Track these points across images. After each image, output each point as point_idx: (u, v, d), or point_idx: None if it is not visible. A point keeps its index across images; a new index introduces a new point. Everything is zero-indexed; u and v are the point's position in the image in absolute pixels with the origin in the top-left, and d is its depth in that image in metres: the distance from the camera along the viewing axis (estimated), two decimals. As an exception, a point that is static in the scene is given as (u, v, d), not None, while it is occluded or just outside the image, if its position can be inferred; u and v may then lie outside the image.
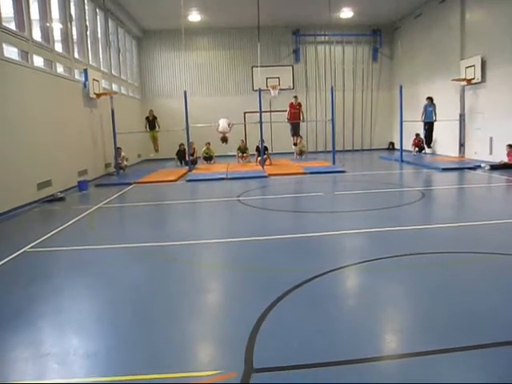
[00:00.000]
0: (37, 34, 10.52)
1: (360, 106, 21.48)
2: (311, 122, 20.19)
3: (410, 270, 4.57)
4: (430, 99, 15.65)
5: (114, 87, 16.45)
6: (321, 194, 9.64)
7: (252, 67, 19.40)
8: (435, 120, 15.59)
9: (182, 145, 16.32)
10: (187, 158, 15.22)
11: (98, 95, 13.45)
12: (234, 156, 17.19)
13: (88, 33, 13.92)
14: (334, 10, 17.18)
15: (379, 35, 21.01)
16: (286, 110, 16.71)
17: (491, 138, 13.71)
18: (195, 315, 3.72)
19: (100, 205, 9.05)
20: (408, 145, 17.28)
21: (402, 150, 15.24)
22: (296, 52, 20.78)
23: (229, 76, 20.87)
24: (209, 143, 16.89)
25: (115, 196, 10.22)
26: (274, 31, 20.25)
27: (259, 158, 14.99)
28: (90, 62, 13.93)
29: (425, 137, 16.65)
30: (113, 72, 16.44)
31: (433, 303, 3.72)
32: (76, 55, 12.79)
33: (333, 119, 14.89)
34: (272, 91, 18.92)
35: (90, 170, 12.79)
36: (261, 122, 14.49)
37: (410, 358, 2.91)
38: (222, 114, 16.74)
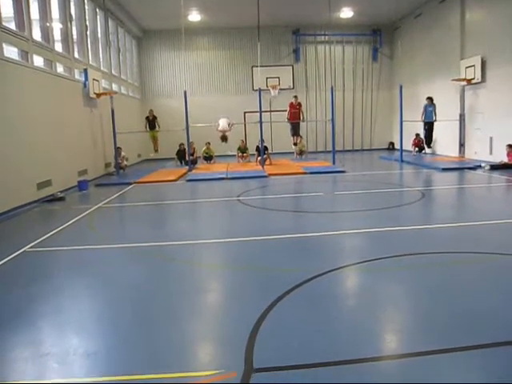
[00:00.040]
0: (37, 34, 10.52)
1: (360, 105, 21.48)
2: (311, 122, 20.19)
3: (410, 270, 4.57)
4: (430, 99, 15.65)
5: (114, 87, 16.45)
6: (321, 193, 9.64)
7: (252, 67, 19.40)
8: (435, 120, 15.59)
9: (181, 145, 16.32)
10: (187, 158, 15.22)
11: (98, 95, 13.44)
12: (233, 156, 17.19)
13: (88, 33, 13.92)
14: (334, 10, 17.18)
15: (379, 35, 21.01)
16: (285, 110, 16.71)
17: (491, 138, 13.71)
18: (195, 315, 3.72)
19: (100, 205, 9.05)
20: (408, 145, 17.28)
21: (401, 150, 15.24)
22: (296, 52, 20.79)
23: (229, 76, 20.87)
24: (209, 143, 16.89)
25: (115, 196, 10.22)
26: (274, 31, 20.25)
27: (259, 158, 14.99)
28: (90, 62, 13.93)
29: (425, 137, 16.64)
30: (113, 72, 16.44)
31: (433, 303, 3.72)
32: (76, 55, 12.78)
33: (333, 119, 14.89)
34: (272, 91, 18.92)
35: (89, 169, 12.79)
36: (261, 122, 14.49)
37: (409, 357, 2.91)
38: (222, 113, 16.72)
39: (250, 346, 3.04)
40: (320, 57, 20.97)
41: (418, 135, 17.27)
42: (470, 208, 8.14)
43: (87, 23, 13.89)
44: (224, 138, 16.07)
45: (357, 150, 21.40)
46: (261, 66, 16.79)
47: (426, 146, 16.99)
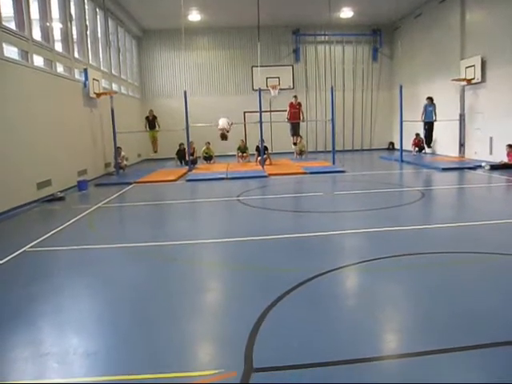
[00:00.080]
0: (37, 34, 10.52)
1: (360, 105, 21.48)
2: (311, 122, 20.19)
3: (410, 270, 4.57)
4: (430, 99, 15.65)
5: (114, 87, 16.45)
6: (320, 193, 9.64)
7: (252, 67, 19.39)
8: (435, 120, 15.59)
9: (181, 144, 16.33)
10: (187, 158, 15.22)
11: (98, 95, 13.45)
12: (233, 156, 17.19)
13: (88, 32, 13.92)
14: (334, 10, 17.18)
15: (379, 35, 21.02)
16: (285, 110, 16.71)
17: (491, 138, 13.71)
18: (195, 315, 3.72)
19: (100, 204, 9.05)
20: (408, 145, 17.28)
21: (401, 150, 15.24)
22: (296, 52, 20.78)
23: (229, 76, 20.87)
24: (209, 143, 16.90)
25: (115, 196, 10.22)
26: (274, 31, 20.25)
27: (259, 158, 14.99)
28: (90, 62, 13.93)
29: (425, 137, 16.65)
30: (113, 71, 16.44)
31: (432, 303, 3.72)
32: (76, 55, 12.79)
33: (333, 119, 14.89)
34: (272, 91, 18.92)
35: (89, 169, 12.79)
36: (261, 122, 14.49)
37: (409, 357, 2.91)
38: (222, 113, 16.74)
39: (249, 345, 3.04)
40: (320, 57, 20.97)
41: (418, 135, 17.28)
42: (469, 208, 8.14)
43: (87, 23, 13.89)
44: (224, 137, 16.08)
45: (357, 150, 21.40)
46: (261, 66, 16.79)
47: (426, 146, 16.99)
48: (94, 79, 13.17)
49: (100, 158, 14.05)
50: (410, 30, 19.01)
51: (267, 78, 19.01)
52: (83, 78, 12.84)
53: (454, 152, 15.66)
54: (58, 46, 11.70)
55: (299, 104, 16.60)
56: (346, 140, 20.84)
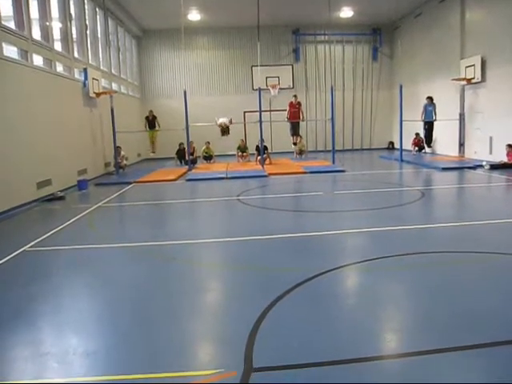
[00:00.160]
0: (36, 33, 10.50)
1: (360, 105, 21.48)
2: (311, 122, 20.17)
3: (410, 270, 4.57)
4: (430, 99, 15.64)
5: (114, 86, 16.44)
6: (321, 193, 9.64)
7: (252, 66, 19.37)
8: (435, 119, 15.59)
9: (181, 144, 16.32)
10: (187, 158, 15.22)
11: (98, 94, 13.44)
12: (233, 155, 17.19)
13: (88, 32, 13.91)
14: (334, 10, 17.18)
15: (379, 34, 21.01)
16: (285, 110, 16.72)
17: (491, 138, 13.71)
18: (195, 314, 3.72)
19: (100, 204, 9.04)
20: (408, 144, 17.28)
21: (401, 150, 15.24)
22: (296, 51, 20.78)
23: (228, 75, 20.86)
24: (208, 142, 16.89)
25: (115, 195, 10.21)
26: (274, 30, 20.24)
27: (259, 158, 14.99)
28: (90, 61, 13.92)
29: (425, 136, 16.64)
30: (112, 71, 16.43)
31: (433, 303, 3.72)
32: (76, 54, 12.78)
33: (332, 119, 14.88)
34: (272, 90, 18.90)
35: (89, 169, 12.79)
36: (260, 122, 14.48)
37: (410, 357, 2.91)
38: (222, 113, 16.76)
39: (249, 345, 3.04)
40: (320, 56, 20.96)
41: (417, 135, 17.28)
42: (470, 207, 8.14)
43: (87, 22, 13.88)
44: (224, 131, 16.09)
45: (356, 150, 21.40)
46: (261, 66, 16.77)
47: (426, 146, 16.99)
48: (93, 79, 13.16)
49: (100, 158, 14.04)
50: (409, 29, 19.00)
51: (267, 78, 18.99)
52: (83, 78, 12.84)
53: (453, 152, 15.65)
54: (58, 46, 11.69)
55: (299, 103, 16.60)
56: (345, 139, 20.84)
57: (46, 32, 11.03)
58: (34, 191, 9.43)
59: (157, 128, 16.96)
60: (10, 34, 9.07)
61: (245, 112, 19.54)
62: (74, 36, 13.00)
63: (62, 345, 3.23)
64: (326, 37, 20.24)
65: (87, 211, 8.32)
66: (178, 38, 18.69)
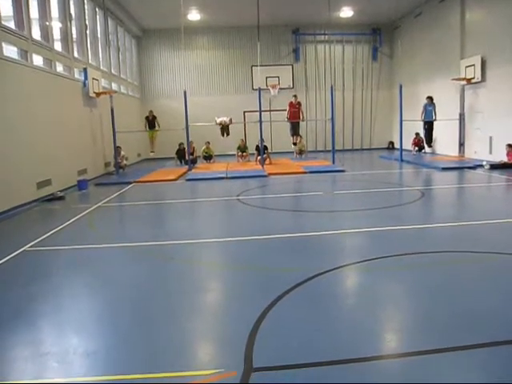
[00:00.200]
0: (36, 33, 10.50)
1: (360, 105, 21.47)
2: (311, 122, 20.17)
3: (410, 270, 4.57)
4: (430, 98, 15.63)
5: (114, 86, 16.44)
6: (320, 193, 9.64)
7: (252, 66, 19.37)
8: (435, 119, 15.58)
9: (181, 144, 16.33)
10: (187, 158, 15.22)
11: (98, 94, 13.44)
12: (233, 155, 17.19)
13: (87, 32, 13.91)
14: (334, 9, 17.18)
15: (379, 34, 21.00)
16: (285, 110, 16.71)
17: (491, 138, 13.71)
18: (195, 314, 3.72)
19: (100, 204, 9.04)
20: (408, 144, 17.28)
21: (401, 150, 15.24)
22: (296, 51, 20.77)
23: (228, 75, 20.86)
24: (208, 142, 16.89)
25: (115, 195, 10.22)
26: (274, 30, 20.23)
27: (259, 157, 14.99)
28: (90, 61, 13.92)
29: (425, 136, 16.64)
30: (112, 71, 16.43)
31: (433, 302, 3.72)
32: (75, 54, 12.78)
33: (332, 118, 14.88)
34: (272, 90, 18.91)
35: (89, 169, 12.79)
36: (260, 122, 14.48)
37: (409, 357, 2.91)
38: (222, 113, 16.78)
39: (249, 345, 3.04)
40: (320, 56, 20.95)
41: (417, 134, 17.28)
42: (469, 207, 8.14)
43: (87, 22, 13.88)
44: (224, 131, 16.10)
45: (356, 150, 21.40)
46: (260, 66, 16.77)
47: (426, 146, 16.99)
48: (93, 79, 13.16)
49: (100, 158, 14.04)
50: (409, 29, 19.00)
51: (267, 78, 18.99)
52: (83, 78, 12.84)
53: (453, 151, 15.65)
54: (58, 46, 11.69)
55: (299, 103, 16.59)
56: (345, 139, 20.84)
57: (46, 32, 11.03)
58: (33, 191, 9.44)
59: (157, 128, 16.96)
60: (9, 34, 9.07)
61: (245, 112, 19.55)
62: (74, 36, 13.00)
63: (62, 345, 3.24)
64: (326, 37, 20.25)
65: (87, 211, 8.32)
66: (177, 37, 18.70)
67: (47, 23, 11.08)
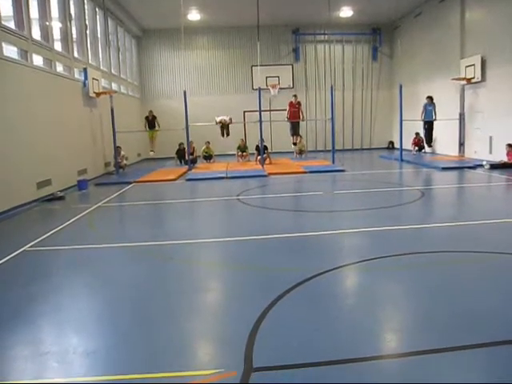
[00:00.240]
0: (36, 33, 10.50)
1: (360, 105, 21.47)
2: (311, 121, 20.16)
3: (410, 270, 4.57)
4: (430, 98, 15.63)
5: (114, 86, 16.44)
6: (320, 193, 9.64)
7: (252, 66, 19.38)
8: (435, 119, 15.59)
9: (181, 144, 16.33)
10: (187, 157, 15.22)
11: (98, 94, 13.44)
12: (233, 155, 17.19)
13: (87, 32, 13.91)
14: (334, 9, 17.18)
15: (379, 34, 21.00)
16: (285, 109, 16.71)
17: (491, 138, 13.71)
18: (195, 314, 3.72)
19: (100, 204, 9.05)
20: (408, 144, 17.28)
21: (401, 149, 15.24)
22: (296, 51, 20.77)
23: (228, 75, 20.85)
24: (208, 142, 16.89)
25: (115, 195, 10.22)
26: (274, 30, 20.23)
27: (259, 157, 14.99)
28: (90, 61, 13.92)
29: (424, 136, 16.64)
30: (112, 71, 16.43)
31: (432, 302, 3.72)
32: (75, 54, 12.78)
33: (332, 118, 14.88)
34: (272, 90, 18.91)
35: (89, 169, 12.79)
36: (260, 121, 14.48)
37: (409, 357, 2.91)
38: (222, 113, 16.78)
39: (249, 345, 3.04)
40: (320, 56, 20.95)
41: (417, 134, 17.28)
42: (469, 207, 8.14)
43: (87, 22, 13.88)
44: (223, 130, 16.12)
45: (356, 149, 21.40)
46: (260, 66, 16.78)
47: (426, 145, 16.99)
48: (93, 78, 13.16)
49: (100, 158, 14.04)
50: (409, 29, 19.00)
51: (267, 78, 19.00)
52: (83, 78, 12.84)
53: (453, 151, 15.65)
54: (58, 46, 11.69)
55: (299, 103, 16.59)
56: (345, 139, 20.85)
57: (46, 32, 11.03)
58: (33, 191, 9.44)
59: (156, 128, 16.94)
60: (9, 34, 9.07)
61: (245, 112, 19.55)
62: (74, 36, 13.00)
63: (62, 344, 3.24)
64: (326, 36, 20.25)
65: (87, 211, 8.32)
66: (177, 37, 18.70)
67: (47, 23, 11.08)
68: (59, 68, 11.61)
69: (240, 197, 9.29)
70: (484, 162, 12.50)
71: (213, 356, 3.11)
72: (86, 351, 3.08)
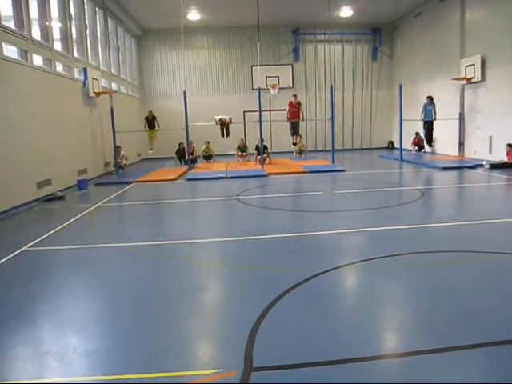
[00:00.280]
0: (36, 33, 10.50)
1: (360, 104, 21.47)
2: (311, 121, 20.16)
3: (410, 269, 4.58)
4: (430, 98, 15.63)
5: (114, 86, 16.44)
6: (320, 192, 9.64)
7: (251, 66, 19.37)
8: (435, 119, 15.59)
9: (181, 144, 16.32)
10: (187, 157, 15.22)
11: (98, 94, 13.44)
12: (233, 155, 17.19)
13: (87, 32, 13.91)
14: (334, 9, 17.18)
15: (379, 34, 21.00)
16: (285, 109, 16.71)
17: (491, 137, 13.71)
18: (194, 314, 3.72)
19: (99, 204, 9.05)
20: (408, 144, 17.29)
21: (401, 149, 15.25)
22: (295, 51, 20.77)
23: (228, 75, 20.85)
24: (208, 142, 16.89)
25: (115, 195, 10.22)
26: (274, 30, 20.23)
27: (259, 157, 14.99)
28: (90, 61, 13.92)
29: (424, 136, 16.64)
30: (112, 71, 16.43)
31: (432, 302, 3.72)
32: (75, 54, 12.78)
33: (332, 118, 14.88)
34: (271, 90, 18.89)
35: (89, 168, 12.79)
36: (260, 121, 14.48)
37: (409, 357, 2.91)
38: (222, 113, 16.75)
39: (249, 345, 3.05)
40: (320, 56, 20.95)
41: (417, 134, 17.29)
42: (469, 207, 8.14)
43: (86, 22, 13.88)
44: (222, 129, 16.12)
45: (356, 149, 21.40)
46: (260, 65, 16.78)
47: (426, 145, 16.99)
48: (93, 78, 13.16)
49: (100, 158, 14.04)
50: (409, 29, 19.00)
51: (267, 77, 18.98)
52: (83, 78, 12.84)
53: (453, 151, 15.65)
54: (58, 46, 11.69)
55: (299, 103, 16.58)
56: (345, 139, 20.85)
57: (46, 32, 11.03)
58: (33, 191, 9.44)
59: (156, 128, 16.93)
60: (9, 34, 9.07)
61: (244, 112, 19.55)
62: (74, 36, 12.99)
63: (62, 344, 3.24)
64: (326, 36, 20.24)
65: (87, 211, 8.32)
66: (177, 37, 18.69)
67: (47, 23, 11.08)
68: (59, 68, 11.61)
69: (240, 197, 9.29)
70: (484, 162, 12.51)
71: (212, 356, 3.11)
72: (86, 351, 3.09)
